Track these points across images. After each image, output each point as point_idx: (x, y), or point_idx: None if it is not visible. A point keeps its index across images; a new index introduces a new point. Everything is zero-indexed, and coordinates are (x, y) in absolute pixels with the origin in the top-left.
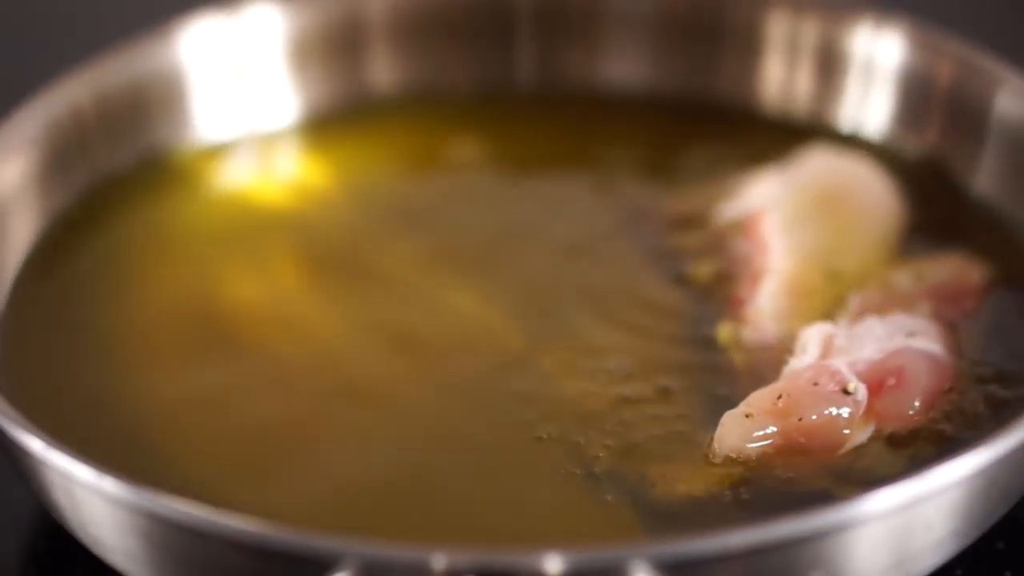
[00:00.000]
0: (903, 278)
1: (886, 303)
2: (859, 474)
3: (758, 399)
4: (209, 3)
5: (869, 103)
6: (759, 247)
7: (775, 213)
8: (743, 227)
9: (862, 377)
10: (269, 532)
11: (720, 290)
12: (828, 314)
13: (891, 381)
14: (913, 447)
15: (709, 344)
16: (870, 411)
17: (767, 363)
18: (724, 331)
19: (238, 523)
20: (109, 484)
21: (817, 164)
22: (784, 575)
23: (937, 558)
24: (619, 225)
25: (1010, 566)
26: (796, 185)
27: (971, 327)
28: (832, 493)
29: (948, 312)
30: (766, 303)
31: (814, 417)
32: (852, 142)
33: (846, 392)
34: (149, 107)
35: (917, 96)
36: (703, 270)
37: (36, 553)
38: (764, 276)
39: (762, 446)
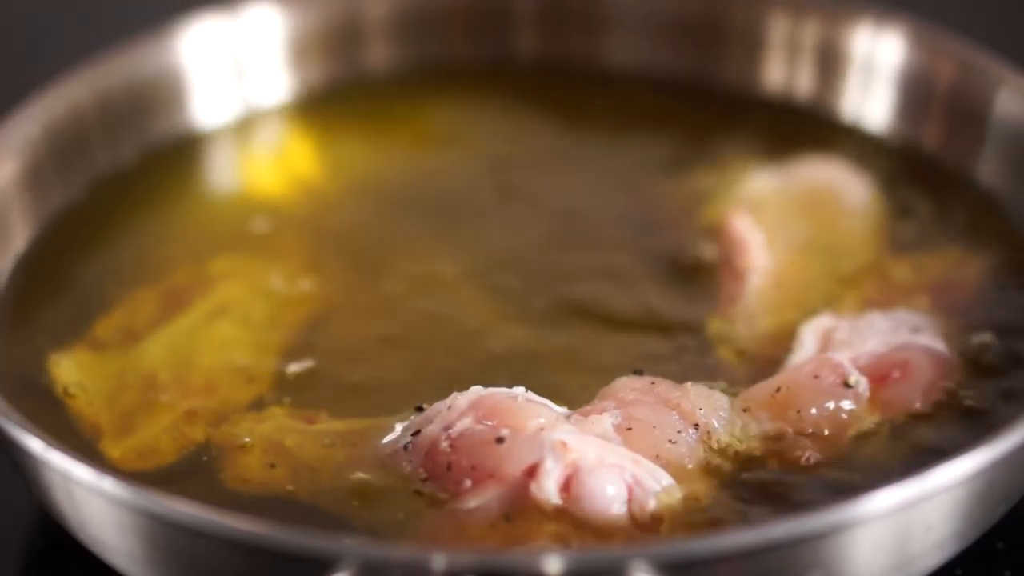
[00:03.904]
0: (902, 271)
1: (885, 296)
2: (861, 466)
3: (756, 393)
4: (209, 3)
5: (869, 102)
6: (736, 246)
7: (750, 213)
8: (719, 227)
9: (866, 370)
10: (269, 532)
11: (710, 286)
12: (824, 307)
13: (896, 374)
14: (915, 439)
15: (702, 340)
16: (874, 402)
17: (762, 358)
18: (714, 327)
19: (238, 523)
20: (109, 484)
21: (803, 168)
22: (784, 575)
23: (937, 558)
24: (616, 217)
25: (1010, 566)
26: (780, 187)
27: (969, 318)
28: (834, 486)
29: (947, 304)
30: (754, 298)
31: (813, 411)
32: (852, 140)
33: (847, 385)
34: (149, 107)
35: (917, 95)
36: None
37: (36, 553)
38: (748, 273)
39: (761, 439)
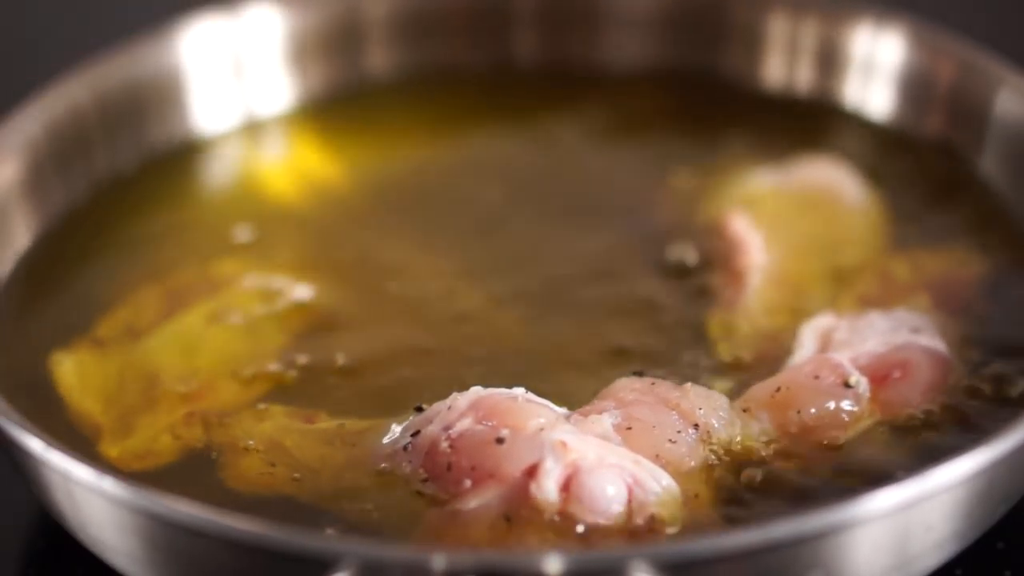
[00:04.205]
0: (901, 269)
1: (885, 295)
2: (861, 466)
3: (756, 393)
4: (209, 3)
5: (869, 101)
6: (735, 246)
7: (747, 212)
8: (717, 226)
9: (866, 370)
10: (269, 532)
11: (709, 286)
12: (824, 306)
13: (896, 374)
14: (915, 439)
15: (702, 340)
16: (874, 402)
17: (763, 356)
18: (714, 327)
19: (238, 523)
20: (109, 484)
21: (802, 168)
22: (784, 575)
23: (937, 558)
24: (616, 216)
25: (1010, 566)
26: (779, 186)
27: (969, 318)
28: (833, 486)
29: (947, 303)
30: (754, 298)
31: (813, 410)
32: (852, 140)
33: (847, 385)
34: (149, 107)
35: (917, 95)
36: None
37: (36, 553)
38: (747, 273)
39: (760, 439)
